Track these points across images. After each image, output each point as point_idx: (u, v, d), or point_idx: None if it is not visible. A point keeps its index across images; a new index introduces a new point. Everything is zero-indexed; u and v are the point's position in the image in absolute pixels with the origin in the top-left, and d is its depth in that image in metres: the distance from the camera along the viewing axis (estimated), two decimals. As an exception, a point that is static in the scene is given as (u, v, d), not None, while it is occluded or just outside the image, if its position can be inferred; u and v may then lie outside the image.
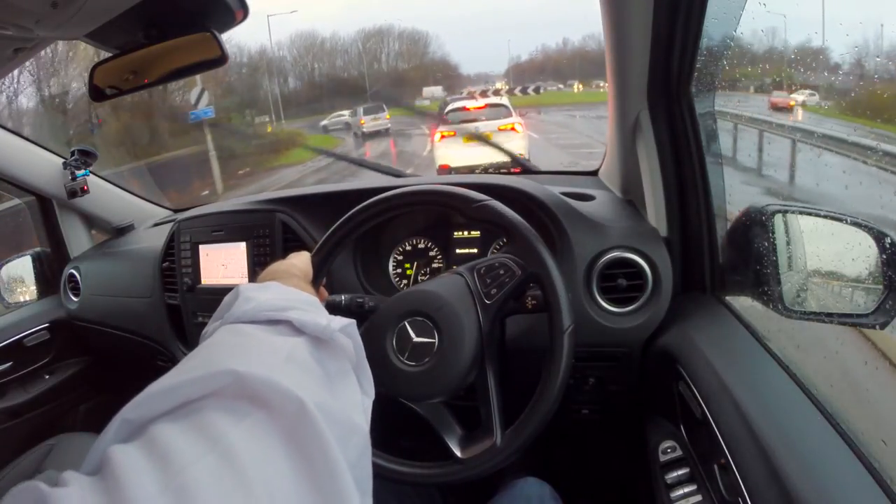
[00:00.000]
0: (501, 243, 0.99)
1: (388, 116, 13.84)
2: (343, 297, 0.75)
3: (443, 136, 6.32)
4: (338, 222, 0.71)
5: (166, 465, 0.24)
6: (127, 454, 0.25)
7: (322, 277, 0.69)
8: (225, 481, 0.25)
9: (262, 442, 0.27)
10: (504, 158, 4.42)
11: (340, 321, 0.38)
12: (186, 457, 0.25)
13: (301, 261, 0.60)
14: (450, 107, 7.66)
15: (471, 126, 6.31)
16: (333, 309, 0.76)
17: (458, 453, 0.63)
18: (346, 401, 0.35)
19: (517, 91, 20.48)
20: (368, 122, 13.67)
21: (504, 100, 8.47)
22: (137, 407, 0.29)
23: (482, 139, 5.89)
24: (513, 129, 6.24)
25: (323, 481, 0.27)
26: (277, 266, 0.56)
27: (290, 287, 0.44)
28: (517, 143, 5.86)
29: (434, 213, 1.02)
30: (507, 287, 0.65)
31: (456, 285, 0.67)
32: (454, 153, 5.91)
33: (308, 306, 0.40)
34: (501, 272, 0.66)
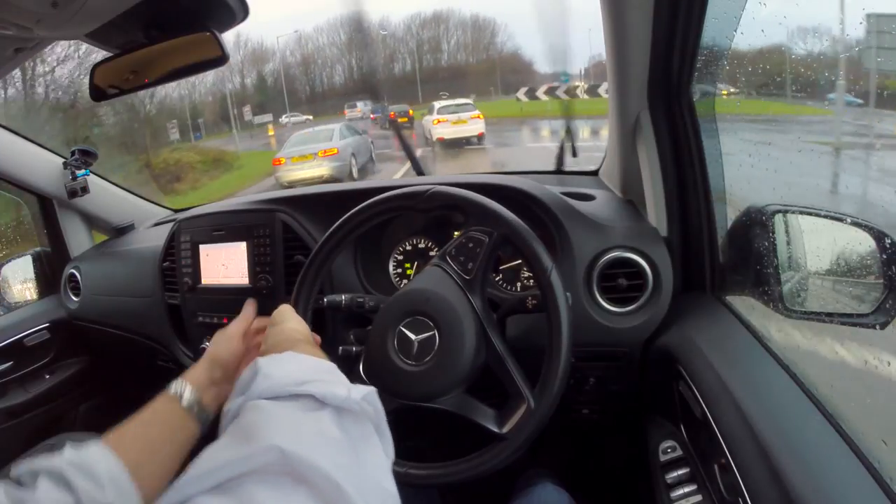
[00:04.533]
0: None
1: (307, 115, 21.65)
2: (343, 297, 0.76)
3: (438, 121, 11.21)
4: (306, 263, 0.74)
5: None
6: None
7: (309, 313, 0.72)
8: None
9: None
10: (473, 133, 10.78)
11: (360, 390, 0.39)
12: None
13: (297, 322, 0.58)
14: (439, 105, 12.14)
15: (453, 116, 11.10)
16: (334, 308, 0.76)
17: (497, 430, 0.63)
18: (374, 468, 0.36)
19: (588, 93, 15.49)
20: (293, 119, 20.73)
21: (469, 100, 13.65)
22: (183, 488, 0.29)
23: (462, 122, 11.05)
24: (477, 117, 11.06)
25: None
26: (279, 335, 0.55)
27: (304, 354, 0.45)
28: (479, 125, 10.98)
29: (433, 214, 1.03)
30: (480, 256, 0.67)
31: (434, 275, 0.69)
32: (446, 130, 10.91)
33: (327, 375, 0.42)
34: (470, 245, 0.68)
